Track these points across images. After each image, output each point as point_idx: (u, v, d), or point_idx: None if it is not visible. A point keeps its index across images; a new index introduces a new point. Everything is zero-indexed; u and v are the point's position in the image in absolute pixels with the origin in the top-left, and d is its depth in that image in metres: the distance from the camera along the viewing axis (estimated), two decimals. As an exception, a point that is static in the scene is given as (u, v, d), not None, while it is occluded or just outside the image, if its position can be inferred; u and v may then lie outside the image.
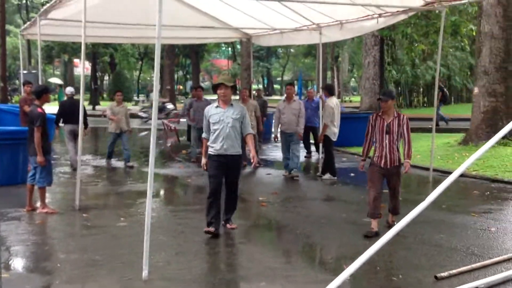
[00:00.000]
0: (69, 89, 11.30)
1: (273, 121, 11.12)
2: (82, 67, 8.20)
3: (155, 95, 5.21)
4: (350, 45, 41.08)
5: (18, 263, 5.51)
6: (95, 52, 37.30)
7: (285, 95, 10.99)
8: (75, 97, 11.26)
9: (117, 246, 6.01)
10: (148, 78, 68.49)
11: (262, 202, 8.36)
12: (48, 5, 10.11)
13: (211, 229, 6.24)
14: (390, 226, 6.52)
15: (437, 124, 13.40)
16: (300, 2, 9.76)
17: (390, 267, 5.35)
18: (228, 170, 6.39)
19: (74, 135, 10.59)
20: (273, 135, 10.91)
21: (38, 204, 7.61)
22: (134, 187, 9.71)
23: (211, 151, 6.40)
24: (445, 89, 24.03)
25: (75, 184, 7.97)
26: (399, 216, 6.33)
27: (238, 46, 42.70)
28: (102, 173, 11.29)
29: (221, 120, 6.31)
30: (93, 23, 9.54)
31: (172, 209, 8.08)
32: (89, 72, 44.22)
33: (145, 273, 4.91)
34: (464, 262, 5.37)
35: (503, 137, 12.74)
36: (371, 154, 6.84)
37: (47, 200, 7.73)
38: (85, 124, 10.07)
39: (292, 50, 55.88)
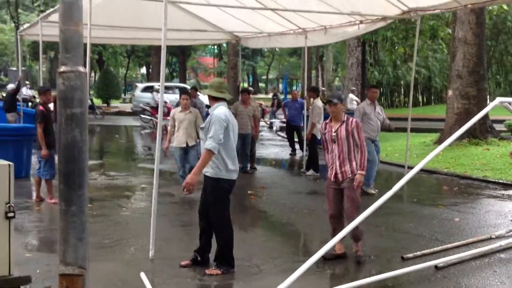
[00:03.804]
0: (10, 86, 15.52)
1: None
2: (88, 69, 8.91)
3: (161, 96, 5.93)
4: (334, 45, 41.97)
5: (37, 246, 6.22)
6: (84, 49, 37.63)
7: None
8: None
9: (122, 232, 6.72)
10: (134, 76, 68.88)
11: (251, 195, 9.12)
12: (51, 9, 10.79)
13: (186, 261, 5.49)
14: (357, 257, 5.76)
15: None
16: (288, 11, 10.50)
17: (364, 250, 6.11)
18: (204, 192, 5.45)
19: None
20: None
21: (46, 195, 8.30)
22: (131, 181, 10.40)
23: None
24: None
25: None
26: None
27: (224, 45, 43.34)
28: (98, 167, 11.95)
29: None
30: (94, 25, 10.19)
31: (170, 200, 8.78)
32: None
33: (151, 253, 5.64)
34: (427, 246, 6.18)
35: (474, 137, 13.69)
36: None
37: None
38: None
39: (277, 49, 56.64)
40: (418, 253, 5.87)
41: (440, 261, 5.51)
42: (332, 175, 5.85)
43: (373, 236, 6.63)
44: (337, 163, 5.80)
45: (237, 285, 5.17)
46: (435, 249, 6.05)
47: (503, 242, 6.18)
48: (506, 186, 10.00)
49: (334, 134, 5.78)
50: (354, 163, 5.75)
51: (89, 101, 25.67)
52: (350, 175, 5.74)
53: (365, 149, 5.77)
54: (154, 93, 23.13)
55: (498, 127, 16.84)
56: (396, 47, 22.42)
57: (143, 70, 63.20)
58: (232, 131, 5.25)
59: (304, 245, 6.81)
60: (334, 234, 5.60)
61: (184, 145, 8.91)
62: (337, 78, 60.74)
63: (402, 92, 34.41)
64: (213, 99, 5.35)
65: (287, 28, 12.51)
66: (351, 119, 5.82)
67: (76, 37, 2.52)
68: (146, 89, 26.41)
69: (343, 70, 38.02)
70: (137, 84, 28.61)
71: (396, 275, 5.10)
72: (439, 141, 14.57)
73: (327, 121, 5.95)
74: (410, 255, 5.79)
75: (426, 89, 35.99)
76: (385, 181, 10.76)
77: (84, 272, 2.69)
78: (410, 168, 11.33)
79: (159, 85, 22.90)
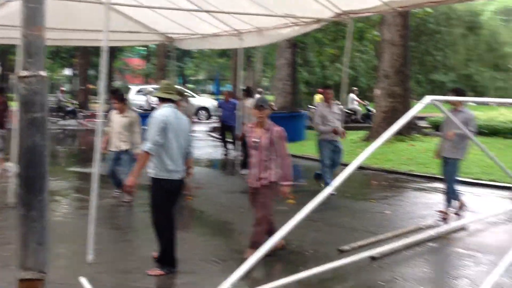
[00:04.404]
0: None
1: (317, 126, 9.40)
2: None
3: (101, 98, 5.84)
4: (263, 46, 42.40)
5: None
6: (4, 50, 36.12)
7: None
8: None
9: (57, 236, 6.52)
10: (56, 77, 66.66)
11: (187, 196, 9.09)
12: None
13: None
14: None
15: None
16: (223, 13, 10.53)
17: (302, 245, 6.29)
18: None
19: None
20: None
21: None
22: (59, 185, 10.10)
23: None
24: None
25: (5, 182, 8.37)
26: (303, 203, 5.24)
27: (153, 45, 42.70)
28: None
29: None
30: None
31: (102, 204, 8.60)
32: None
33: (90, 257, 5.53)
34: (362, 238, 6.43)
35: (400, 134, 14.27)
36: None
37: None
38: None
39: (207, 50, 56.47)
40: (354, 245, 6.10)
41: (375, 252, 5.75)
42: (251, 181, 5.77)
43: (311, 231, 6.82)
44: (256, 170, 5.68)
45: (179, 286, 5.17)
46: (369, 240, 6.32)
47: (432, 232, 6.53)
48: (431, 179, 10.52)
49: (256, 140, 5.65)
50: (272, 171, 5.63)
51: (71, 105, 24.80)
52: (266, 183, 5.65)
53: (288, 160, 5.63)
54: (148, 95, 22.77)
55: (421, 123, 17.68)
56: (325, 48, 22.98)
57: (67, 71, 61.25)
58: (174, 131, 5.19)
59: (244, 244, 6.84)
60: (269, 234, 5.48)
61: (115, 149, 8.42)
62: (265, 79, 61.43)
63: (330, 92, 35.24)
64: (161, 100, 5.34)
65: (221, 29, 12.52)
66: (276, 128, 5.63)
67: (39, 41, 2.50)
68: (139, 92, 26.73)
69: (272, 70, 38.50)
70: (130, 86, 28.21)
71: (335, 267, 5.28)
72: (367, 139, 15.10)
73: (252, 125, 5.80)
74: (347, 247, 6.01)
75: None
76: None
77: (45, 277, 2.66)
78: (342, 165, 11.77)
79: (152, 88, 22.12)
